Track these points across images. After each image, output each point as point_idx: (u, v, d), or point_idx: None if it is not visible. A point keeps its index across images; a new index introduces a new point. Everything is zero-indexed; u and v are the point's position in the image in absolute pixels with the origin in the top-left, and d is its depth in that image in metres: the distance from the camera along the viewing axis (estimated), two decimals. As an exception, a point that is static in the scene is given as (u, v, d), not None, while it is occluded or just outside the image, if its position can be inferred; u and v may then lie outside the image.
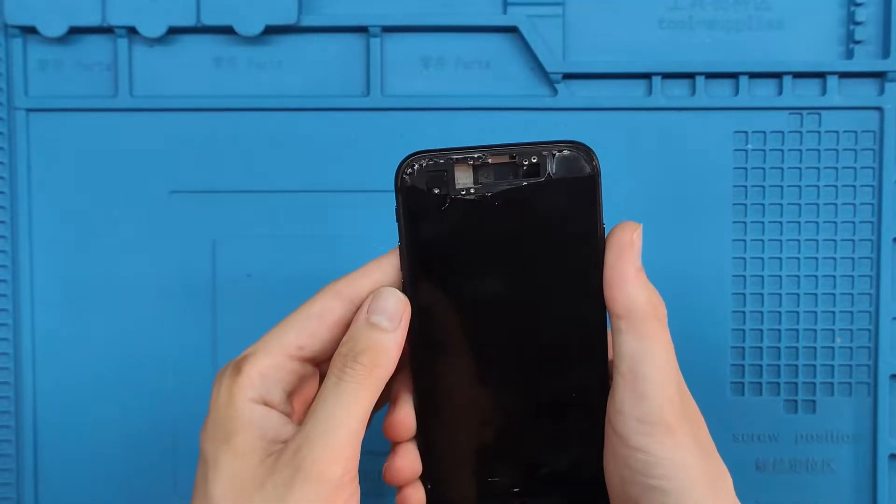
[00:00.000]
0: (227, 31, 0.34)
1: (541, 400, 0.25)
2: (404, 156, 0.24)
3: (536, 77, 0.35)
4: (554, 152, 0.24)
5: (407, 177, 0.24)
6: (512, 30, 0.35)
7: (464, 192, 0.24)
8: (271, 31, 0.34)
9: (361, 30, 0.35)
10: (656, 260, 0.35)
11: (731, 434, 0.36)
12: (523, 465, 0.25)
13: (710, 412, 0.36)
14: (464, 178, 0.24)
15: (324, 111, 0.35)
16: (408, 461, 0.25)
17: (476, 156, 0.24)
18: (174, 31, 0.34)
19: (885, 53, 0.35)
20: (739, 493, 0.36)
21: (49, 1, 0.34)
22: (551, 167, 0.24)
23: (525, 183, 0.24)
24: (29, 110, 0.35)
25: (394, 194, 0.24)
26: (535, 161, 0.24)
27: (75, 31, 0.34)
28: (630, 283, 0.24)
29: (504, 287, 0.24)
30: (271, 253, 0.35)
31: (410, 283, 0.24)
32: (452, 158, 0.23)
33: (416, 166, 0.24)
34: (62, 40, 0.34)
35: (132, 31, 0.34)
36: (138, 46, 0.35)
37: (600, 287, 0.24)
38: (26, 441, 0.35)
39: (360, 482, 0.36)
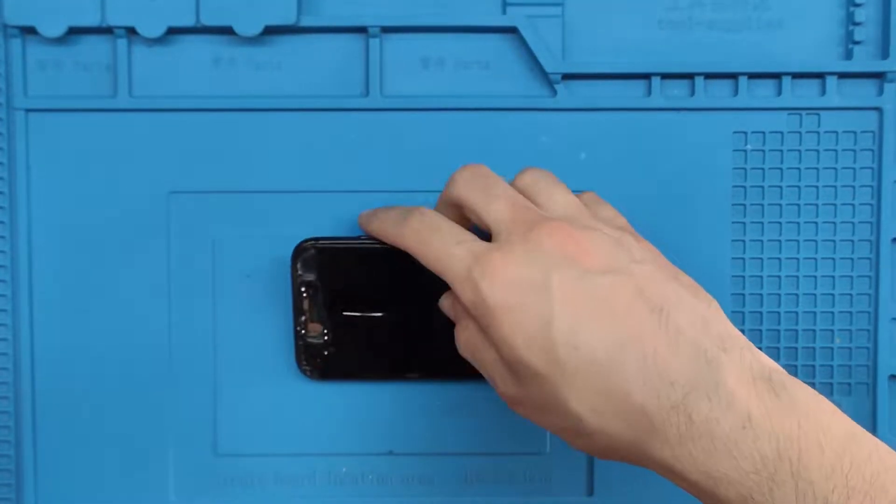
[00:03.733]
0: (227, 31, 0.34)
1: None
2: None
3: (536, 77, 0.35)
4: None
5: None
6: (511, 30, 0.35)
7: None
8: (271, 31, 0.34)
9: (361, 30, 0.35)
10: (655, 260, 0.35)
11: (730, 434, 0.36)
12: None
13: (709, 412, 0.36)
14: None
15: (323, 111, 0.35)
16: None
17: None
18: (173, 32, 0.34)
19: (885, 54, 0.35)
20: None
21: (48, 1, 0.34)
22: None
23: None
24: (28, 110, 0.35)
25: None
26: None
27: (74, 32, 0.34)
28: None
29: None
30: (271, 253, 0.35)
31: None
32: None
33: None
34: (61, 40, 0.34)
35: (131, 31, 0.34)
36: (137, 47, 0.35)
37: None
38: (25, 441, 0.35)
39: (359, 483, 0.36)
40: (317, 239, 0.33)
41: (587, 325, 0.25)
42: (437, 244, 0.28)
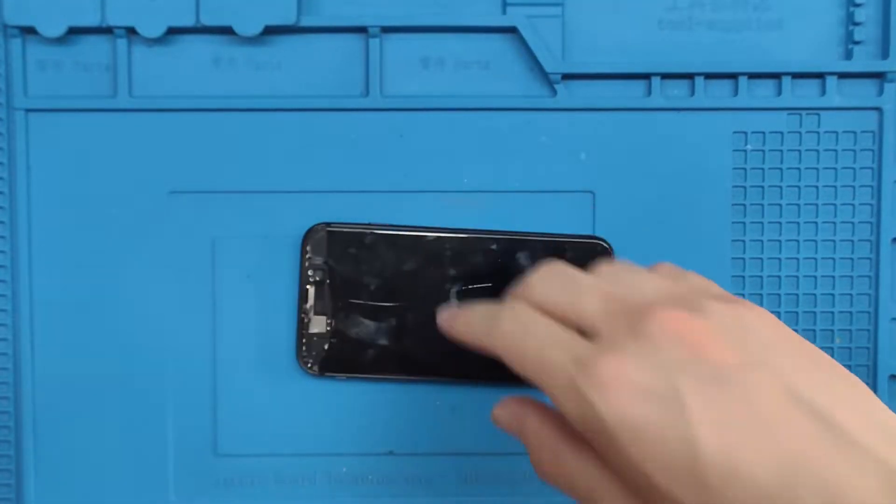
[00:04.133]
0: (227, 31, 0.34)
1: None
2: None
3: (535, 77, 0.35)
4: None
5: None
6: (511, 30, 0.35)
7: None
8: (271, 31, 0.34)
9: (361, 30, 0.35)
10: (655, 261, 0.35)
11: (730, 434, 0.36)
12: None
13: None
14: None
15: (323, 111, 0.35)
16: None
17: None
18: (173, 32, 0.34)
19: (884, 54, 0.35)
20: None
21: (48, 1, 0.34)
22: None
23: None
24: (28, 111, 0.35)
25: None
26: None
27: (74, 32, 0.34)
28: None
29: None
30: (271, 253, 0.35)
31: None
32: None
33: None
34: (61, 41, 0.34)
35: (131, 31, 0.34)
36: (137, 47, 0.35)
37: None
38: (25, 441, 0.35)
39: (359, 483, 0.36)
40: (329, 223, 0.34)
41: (740, 442, 0.20)
42: (533, 349, 0.23)
